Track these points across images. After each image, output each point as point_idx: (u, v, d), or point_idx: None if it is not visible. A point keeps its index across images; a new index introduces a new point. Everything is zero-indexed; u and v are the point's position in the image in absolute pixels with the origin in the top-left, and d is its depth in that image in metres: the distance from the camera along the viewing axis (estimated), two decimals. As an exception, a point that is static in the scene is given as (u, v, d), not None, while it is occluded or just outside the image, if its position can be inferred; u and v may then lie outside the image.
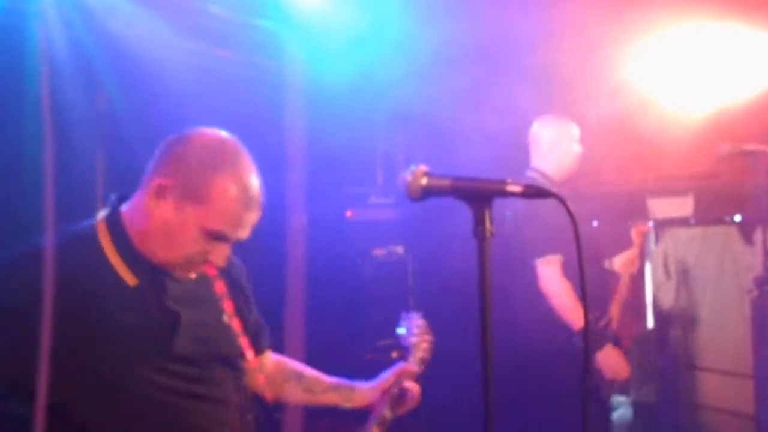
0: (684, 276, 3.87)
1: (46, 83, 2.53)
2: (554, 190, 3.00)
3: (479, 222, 1.14)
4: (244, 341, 1.54)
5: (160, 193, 1.36)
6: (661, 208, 3.89)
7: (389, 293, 4.15)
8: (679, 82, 3.59)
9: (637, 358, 3.77)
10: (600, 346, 2.82)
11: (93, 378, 1.33)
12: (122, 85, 3.10)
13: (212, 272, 1.51)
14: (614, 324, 3.03)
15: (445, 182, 1.16)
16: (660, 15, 3.35)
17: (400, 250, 4.28)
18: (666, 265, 3.89)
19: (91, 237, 1.41)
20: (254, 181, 1.41)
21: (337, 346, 3.85)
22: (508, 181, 1.14)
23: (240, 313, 1.57)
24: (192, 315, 1.45)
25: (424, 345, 1.88)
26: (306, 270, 3.78)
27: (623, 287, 3.12)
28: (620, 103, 3.61)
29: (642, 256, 3.48)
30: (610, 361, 2.84)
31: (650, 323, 3.74)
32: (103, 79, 3.09)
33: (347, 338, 3.91)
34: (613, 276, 3.24)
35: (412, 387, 1.79)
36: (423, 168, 1.18)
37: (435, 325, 4.45)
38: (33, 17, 2.71)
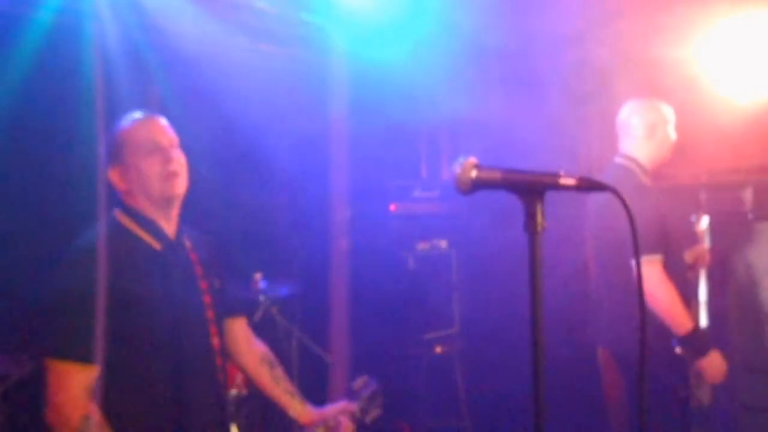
0: (741, 273, 3.73)
1: (100, 80, 2.59)
2: (646, 180, 2.88)
3: (530, 216, 1.11)
4: (207, 300, 1.81)
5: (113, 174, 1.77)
6: (717, 202, 3.75)
7: (433, 287, 4.13)
8: (734, 70, 3.45)
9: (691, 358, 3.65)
10: (702, 352, 2.61)
11: (150, 335, 1.65)
12: (173, 80, 3.16)
13: (188, 245, 1.82)
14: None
15: (496, 175, 1.13)
16: (714, 1, 3.23)
17: (443, 244, 4.25)
18: (722, 263, 3.75)
19: (115, 222, 1.75)
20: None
21: (381, 339, 3.86)
22: (561, 173, 1.11)
23: (206, 277, 1.83)
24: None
25: (375, 412, 2.09)
26: (350, 263, 3.80)
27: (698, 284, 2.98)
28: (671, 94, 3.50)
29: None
30: (716, 367, 2.64)
31: (704, 322, 3.61)
32: (154, 74, 3.16)
33: (391, 332, 3.91)
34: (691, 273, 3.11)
35: (348, 426, 1.99)
36: (473, 160, 1.15)
37: (479, 321, 4.42)
38: (87, 16, 2.78)
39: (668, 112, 2.86)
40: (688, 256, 3.08)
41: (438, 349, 4.06)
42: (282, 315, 3.45)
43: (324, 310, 3.76)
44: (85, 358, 1.57)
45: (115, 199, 1.78)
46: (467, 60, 3.83)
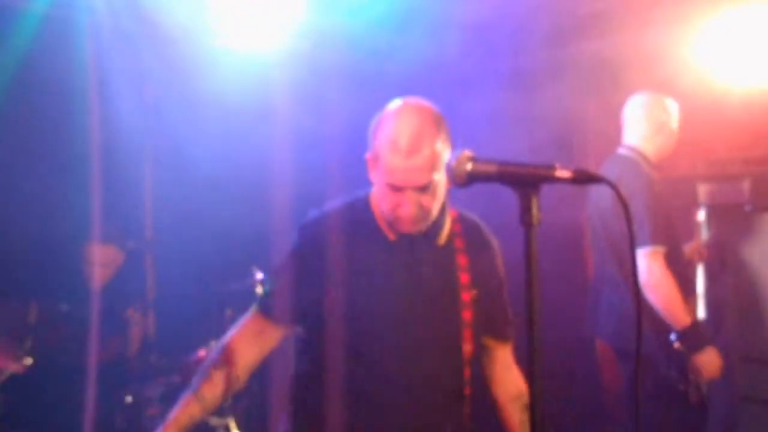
0: (738, 265, 3.72)
1: (94, 73, 2.57)
2: (651, 172, 2.85)
3: (526, 209, 1.10)
4: (465, 320, 1.65)
5: (369, 165, 1.65)
6: (714, 194, 3.74)
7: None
8: (733, 61, 3.43)
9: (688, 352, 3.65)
10: (699, 347, 2.60)
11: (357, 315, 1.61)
12: (170, 78, 3.13)
13: (459, 245, 1.70)
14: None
15: (492, 167, 1.12)
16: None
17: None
18: (720, 254, 3.75)
19: (366, 202, 1.70)
20: (403, 130, 1.56)
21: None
22: (557, 165, 1.10)
23: (474, 287, 1.67)
24: (431, 278, 1.65)
25: None
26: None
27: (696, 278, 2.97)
28: (668, 84, 3.48)
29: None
30: (713, 362, 2.63)
31: (702, 314, 3.61)
32: (150, 71, 3.13)
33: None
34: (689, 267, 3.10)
35: None
36: (468, 153, 1.14)
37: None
38: (82, 9, 2.76)
39: (673, 107, 2.86)
40: (686, 251, 3.07)
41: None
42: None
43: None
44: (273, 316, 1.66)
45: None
46: (469, 50, 3.81)
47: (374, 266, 1.62)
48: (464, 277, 1.66)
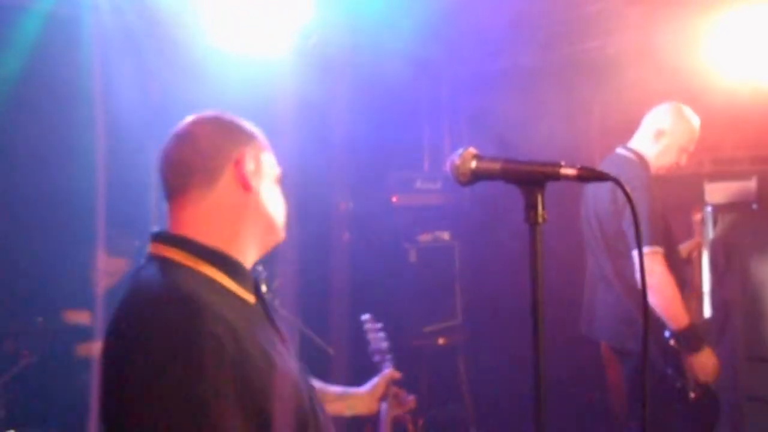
0: (744, 264, 3.70)
1: (98, 71, 2.57)
2: (649, 173, 2.82)
3: (531, 207, 1.09)
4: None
5: (245, 164, 1.25)
6: (720, 193, 3.72)
7: (435, 279, 4.12)
8: (740, 58, 3.41)
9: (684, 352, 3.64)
10: (697, 349, 2.57)
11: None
12: (174, 77, 3.13)
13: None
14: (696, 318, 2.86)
15: (496, 165, 1.11)
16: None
17: (446, 235, 4.24)
18: (726, 253, 3.73)
19: (196, 276, 1.17)
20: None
21: (383, 331, 3.84)
22: (562, 163, 1.09)
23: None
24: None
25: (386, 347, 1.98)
26: (352, 255, 3.79)
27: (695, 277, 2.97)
28: (676, 83, 3.46)
29: (700, 242, 3.33)
30: (708, 363, 2.60)
31: (707, 313, 3.59)
32: (155, 71, 3.13)
33: (393, 324, 3.90)
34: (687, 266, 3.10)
35: (401, 391, 1.86)
36: (472, 150, 1.14)
37: (481, 313, 4.41)
38: (86, 7, 2.76)
39: (693, 134, 2.79)
40: (683, 250, 3.07)
41: (441, 341, 4.05)
42: (283, 307, 3.44)
43: (325, 301, 3.75)
44: None
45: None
46: (472, 51, 3.81)
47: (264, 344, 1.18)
48: None
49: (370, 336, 2.03)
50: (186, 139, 1.28)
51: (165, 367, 1.03)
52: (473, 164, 1.13)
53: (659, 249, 2.56)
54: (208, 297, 1.12)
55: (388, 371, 1.88)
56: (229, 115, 1.33)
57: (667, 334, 2.60)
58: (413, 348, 3.96)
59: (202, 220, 1.23)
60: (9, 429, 2.53)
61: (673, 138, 2.78)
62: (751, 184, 3.64)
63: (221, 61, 3.15)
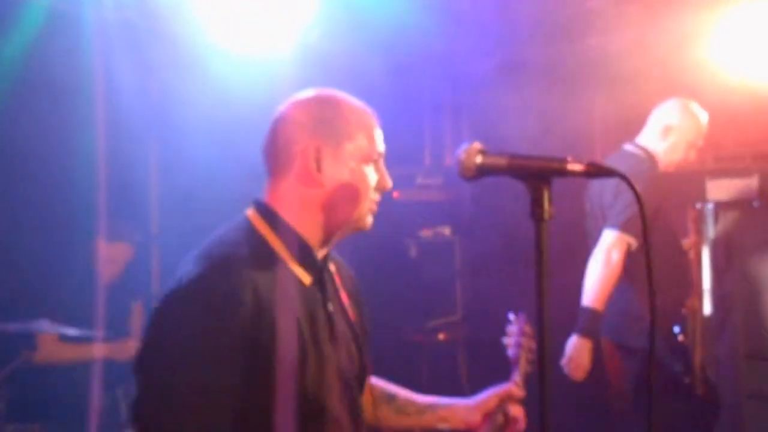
0: (745, 261, 3.70)
1: (99, 66, 2.56)
2: (656, 170, 2.82)
3: (537, 203, 1.08)
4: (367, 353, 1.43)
5: (319, 158, 1.28)
6: (722, 190, 3.72)
7: (436, 274, 4.12)
8: (742, 56, 3.40)
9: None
10: (582, 331, 2.64)
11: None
12: (175, 72, 3.11)
13: (338, 281, 1.45)
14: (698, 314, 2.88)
15: (502, 160, 1.10)
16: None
17: (447, 231, 4.23)
18: (726, 250, 3.72)
19: (261, 242, 1.28)
20: (355, 98, 1.40)
21: (383, 327, 3.84)
22: (569, 158, 1.08)
23: (359, 325, 1.46)
24: (339, 321, 1.36)
25: (529, 356, 1.65)
26: (352, 250, 3.78)
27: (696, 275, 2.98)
28: (677, 80, 3.45)
29: (699, 240, 3.33)
30: (580, 355, 2.66)
31: (708, 310, 3.59)
32: (156, 66, 3.11)
33: (394, 319, 3.90)
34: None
35: (518, 413, 1.57)
36: (478, 145, 1.12)
37: (482, 309, 4.40)
38: (86, 3, 2.74)
39: (700, 130, 2.80)
40: (684, 245, 3.07)
41: (441, 336, 4.05)
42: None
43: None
44: None
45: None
46: (473, 45, 3.79)
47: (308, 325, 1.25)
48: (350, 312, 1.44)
49: (510, 340, 1.74)
50: (273, 125, 1.35)
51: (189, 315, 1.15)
52: (479, 159, 1.12)
53: (628, 237, 2.58)
54: (255, 262, 1.22)
55: (510, 385, 1.60)
56: (324, 97, 1.37)
57: (676, 329, 2.60)
58: (413, 343, 3.96)
59: (283, 198, 1.31)
60: (9, 424, 2.52)
61: (681, 134, 2.78)
62: (753, 182, 3.63)
63: (221, 56, 3.13)
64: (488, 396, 1.59)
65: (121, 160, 2.88)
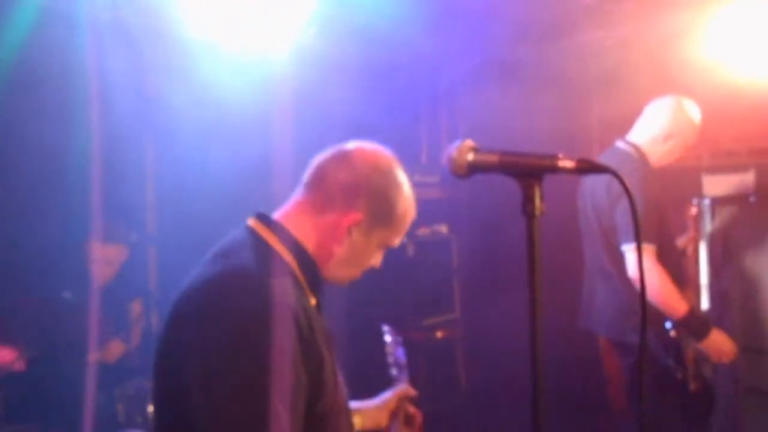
0: (742, 256, 3.71)
1: (92, 63, 2.55)
2: (648, 168, 2.84)
3: (528, 200, 1.09)
4: None
5: (356, 226, 1.36)
6: (718, 185, 3.72)
7: (433, 272, 4.12)
8: (739, 51, 3.40)
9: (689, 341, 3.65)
10: (704, 333, 2.61)
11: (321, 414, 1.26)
12: (170, 70, 3.11)
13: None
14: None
15: (493, 157, 1.10)
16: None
17: (444, 229, 4.23)
18: (723, 246, 3.73)
19: (280, 261, 1.31)
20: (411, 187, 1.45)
21: (380, 325, 3.85)
22: (560, 155, 1.08)
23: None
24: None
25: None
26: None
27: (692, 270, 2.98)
28: (674, 75, 3.45)
29: (697, 236, 3.34)
30: (719, 345, 2.64)
31: (705, 305, 3.60)
32: (151, 64, 3.11)
33: (391, 317, 3.90)
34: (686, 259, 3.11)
35: (416, 413, 1.75)
36: (469, 143, 1.13)
37: (479, 306, 4.40)
38: (80, 1, 2.73)
39: (694, 128, 2.82)
40: (679, 244, 3.07)
41: (439, 334, 4.06)
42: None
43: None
44: None
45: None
46: (468, 43, 3.79)
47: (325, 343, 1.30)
48: None
49: (390, 348, 1.90)
50: (343, 159, 1.38)
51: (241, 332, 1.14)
52: (470, 157, 1.12)
53: (650, 246, 2.57)
54: (288, 286, 1.25)
55: (404, 386, 1.76)
56: (393, 171, 1.41)
57: (668, 325, 2.61)
58: (411, 341, 3.97)
59: (302, 226, 1.36)
60: (6, 425, 2.52)
61: (681, 137, 2.80)
62: (749, 177, 3.64)
63: (216, 54, 3.13)
64: (390, 396, 1.72)
65: (115, 160, 2.87)
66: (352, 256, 1.38)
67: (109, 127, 2.82)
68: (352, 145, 1.41)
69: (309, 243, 1.36)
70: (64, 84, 2.67)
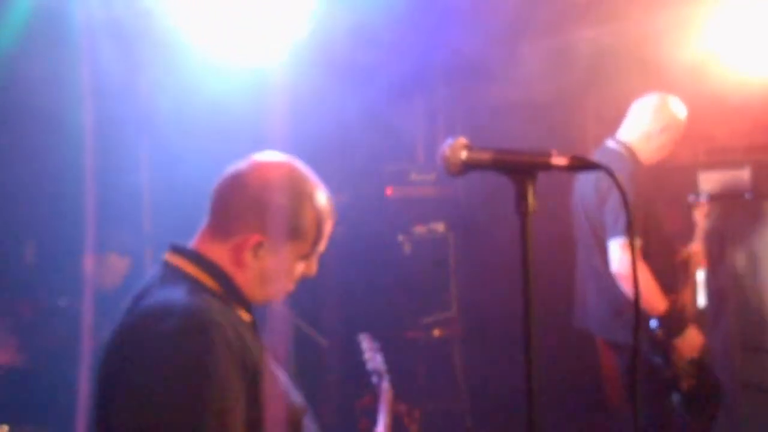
0: (739, 253, 3.71)
1: (86, 62, 2.55)
2: (637, 167, 2.85)
3: (522, 197, 1.09)
4: None
5: (258, 248, 1.31)
6: (714, 182, 3.73)
7: (430, 270, 4.12)
8: (734, 47, 3.40)
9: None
10: (679, 331, 2.65)
11: None
12: (165, 73, 3.10)
13: None
14: (690, 308, 2.88)
15: (486, 155, 1.10)
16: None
17: (441, 227, 4.23)
18: (719, 243, 3.74)
19: (199, 285, 1.29)
20: (325, 192, 1.39)
21: (377, 324, 3.85)
22: (553, 152, 1.08)
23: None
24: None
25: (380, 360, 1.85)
26: (346, 248, 3.78)
27: (694, 268, 2.99)
28: (669, 72, 3.45)
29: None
30: (692, 341, 2.69)
31: (702, 302, 3.60)
32: (144, 63, 3.10)
33: (388, 316, 3.90)
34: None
35: (412, 409, 1.83)
36: (463, 140, 1.13)
37: (477, 304, 4.40)
38: (74, 1, 2.73)
39: (679, 115, 2.85)
40: (683, 253, 3.08)
41: (436, 333, 4.06)
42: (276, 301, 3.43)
43: (319, 294, 3.74)
44: None
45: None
46: (462, 40, 3.78)
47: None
48: None
49: (368, 355, 1.93)
50: (235, 182, 1.34)
51: (179, 373, 1.14)
52: (464, 154, 1.12)
53: (627, 240, 2.56)
54: (213, 305, 1.23)
55: (385, 395, 1.78)
56: (294, 182, 1.34)
57: (653, 324, 2.62)
58: (408, 340, 3.96)
59: (213, 247, 1.33)
60: (2, 424, 2.52)
61: (668, 133, 2.84)
62: (745, 174, 3.64)
63: (211, 55, 3.12)
64: (384, 418, 1.74)
65: (109, 160, 2.86)
66: (268, 275, 1.33)
67: (104, 130, 2.81)
68: (246, 163, 1.36)
69: (225, 266, 1.32)
70: (56, 85, 2.67)
